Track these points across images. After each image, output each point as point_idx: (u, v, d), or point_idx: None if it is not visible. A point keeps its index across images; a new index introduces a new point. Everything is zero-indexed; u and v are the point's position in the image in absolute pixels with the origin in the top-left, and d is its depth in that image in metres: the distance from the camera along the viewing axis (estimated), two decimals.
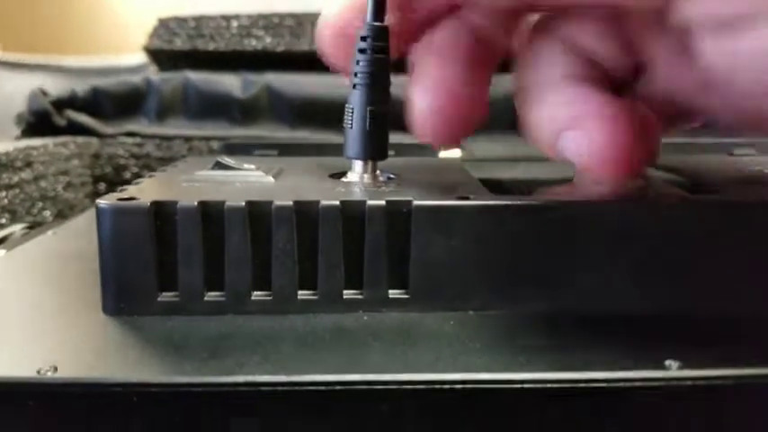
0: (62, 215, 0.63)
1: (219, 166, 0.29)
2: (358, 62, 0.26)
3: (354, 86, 0.27)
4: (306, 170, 0.31)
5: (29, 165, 0.58)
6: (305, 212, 0.24)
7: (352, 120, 0.27)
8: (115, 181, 0.69)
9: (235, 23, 0.69)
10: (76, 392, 0.19)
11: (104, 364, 0.20)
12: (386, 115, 0.27)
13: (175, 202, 0.23)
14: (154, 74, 0.72)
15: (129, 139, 0.69)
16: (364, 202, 0.24)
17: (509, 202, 0.24)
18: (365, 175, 0.28)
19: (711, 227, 0.25)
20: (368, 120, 0.27)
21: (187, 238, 0.23)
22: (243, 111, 0.69)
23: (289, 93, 0.68)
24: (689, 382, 0.20)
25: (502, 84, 0.67)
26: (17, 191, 0.56)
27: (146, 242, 0.23)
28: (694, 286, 0.25)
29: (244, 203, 0.23)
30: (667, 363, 0.21)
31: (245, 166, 0.29)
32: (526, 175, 0.36)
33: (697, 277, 0.25)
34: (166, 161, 0.68)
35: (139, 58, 0.80)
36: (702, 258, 0.25)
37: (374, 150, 0.28)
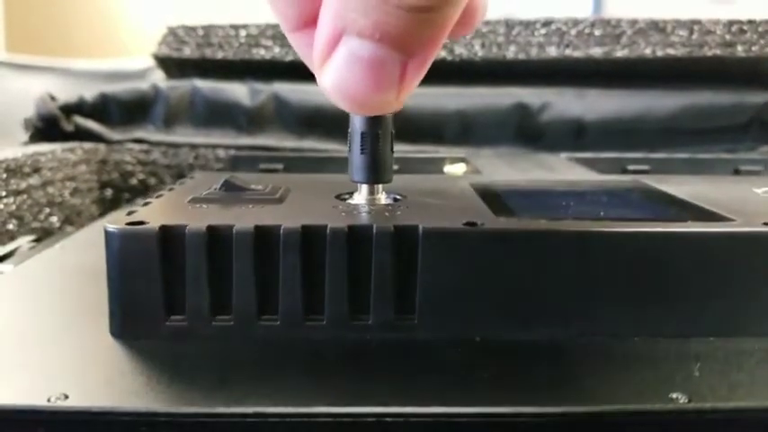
0: (69, 221, 0.63)
1: (227, 186, 0.29)
2: None
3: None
4: (312, 190, 0.31)
5: (37, 170, 0.58)
6: (313, 237, 0.24)
7: (355, 144, 0.27)
8: (122, 187, 0.69)
9: (243, 33, 0.70)
10: (86, 421, 0.19)
11: (113, 392, 0.20)
12: (389, 138, 0.27)
13: (184, 227, 0.24)
14: (161, 80, 0.72)
15: (137, 146, 0.69)
16: (372, 226, 0.24)
17: (516, 229, 0.25)
18: (371, 197, 0.28)
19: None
20: (371, 144, 0.27)
21: (195, 262, 0.24)
22: (250, 119, 0.69)
23: (295, 102, 0.68)
24: (696, 416, 0.20)
25: (505, 96, 0.68)
26: (25, 197, 0.56)
27: (154, 266, 0.23)
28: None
29: (252, 228, 0.24)
30: (674, 396, 0.21)
31: (253, 186, 0.30)
32: (530, 195, 0.36)
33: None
34: (173, 168, 0.68)
35: (146, 62, 0.81)
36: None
37: (378, 174, 0.28)
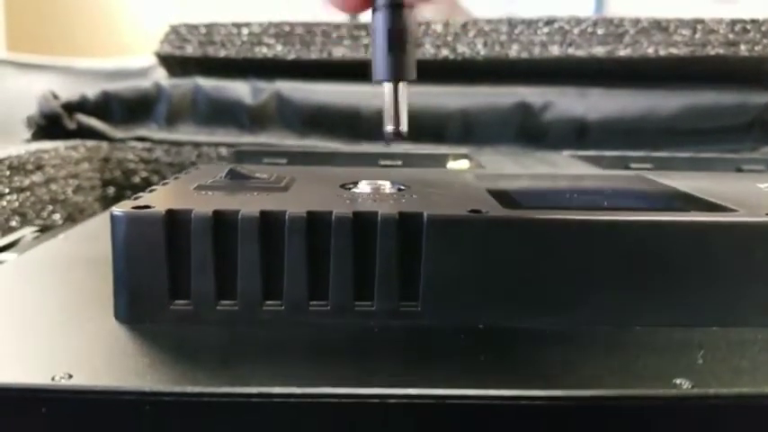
0: (71, 218, 0.63)
1: (233, 174, 0.29)
2: None
3: (375, 10, 0.26)
4: (317, 180, 0.31)
5: (40, 168, 0.58)
6: (318, 223, 0.24)
7: (377, 42, 0.26)
8: (124, 185, 0.69)
9: (245, 31, 0.70)
10: (90, 400, 0.19)
11: (117, 372, 0.20)
12: (410, 35, 0.27)
13: (190, 211, 0.24)
14: (163, 78, 0.73)
15: (139, 144, 0.69)
16: (377, 213, 0.24)
17: (520, 217, 0.25)
18: (376, 186, 0.28)
19: None
20: (393, 40, 0.26)
21: (200, 246, 0.24)
22: (252, 117, 0.69)
23: (298, 100, 0.68)
24: (699, 401, 0.20)
25: (508, 95, 0.68)
26: (28, 194, 0.56)
27: (159, 250, 0.23)
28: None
29: (258, 213, 0.24)
30: (678, 381, 0.21)
31: (258, 175, 0.30)
32: (533, 187, 0.36)
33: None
34: (175, 166, 0.68)
35: (148, 60, 0.81)
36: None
37: (401, 70, 0.27)
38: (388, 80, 0.27)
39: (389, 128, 0.28)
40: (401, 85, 0.27)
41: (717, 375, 0.21)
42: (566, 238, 0.24)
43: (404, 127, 0.28)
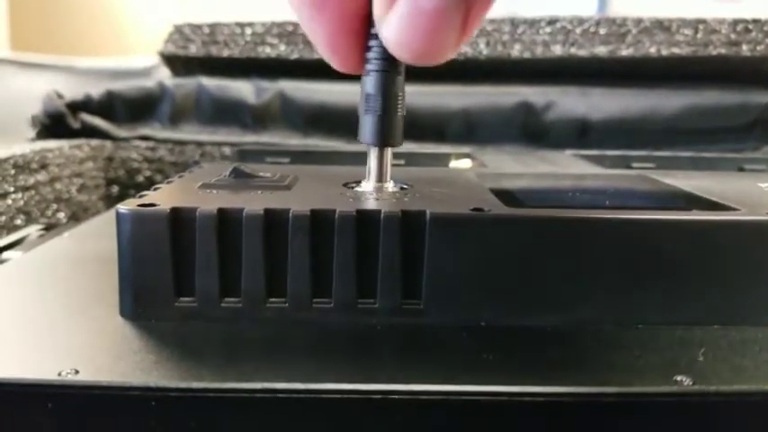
0: (75, 217, 0.63)
1: (236, 173, 0.29)
2: (370, 48, 0.26)
3: (368, 73, 0.26)
4: (320, 178, 0.31)
5: (44, 167, 0.58)
6: (321, 221, 0.24)
7: (365, 106, 0.27)
8: (128, 184, 0.70)
9: (249, 31, 0.70)
10: (96, 395, 0.20)
11: (123, 368, 0.21)
12: (400, 100, 0.27)
13: (195, 209, 0.24)
14: (167, 77, 0.73)
15: (143, 143, 0.69)
16: (380, 211, 0.24)
17: (523, 215, 0.25)
18: (378, 185, 0.28)
19: None
20: (381, 106, 0.27)
21: (205, 244, 0.24)
22: (255, 117, 0.69)
23: (301, 100, 0.68)
24: (700, 398, 0.21)
25: (510, 95, 0.68)
26: (32, 192, 0.57)
27: (164, 248, 0.24)
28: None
29: (262, 211, 0.24)
30: (679, 378, 0.21)
31: (262, 173, 0.30)
32: (535, 186, 0.36)
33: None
34: (179, 165, 0.68)
35: (150, 60, 0.81)
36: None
37: (388, 137, 0.27)
38: (375, 146, 0.28)
39: (369, 186, 0.29)
40: (387, 150, 0.28)
41: (718, 373, 0.22)
42: (567, 236, 0.25)
43: (388, 186, 0.29)
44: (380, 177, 0.28)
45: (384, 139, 0.27)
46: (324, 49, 0.25)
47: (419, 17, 0.21)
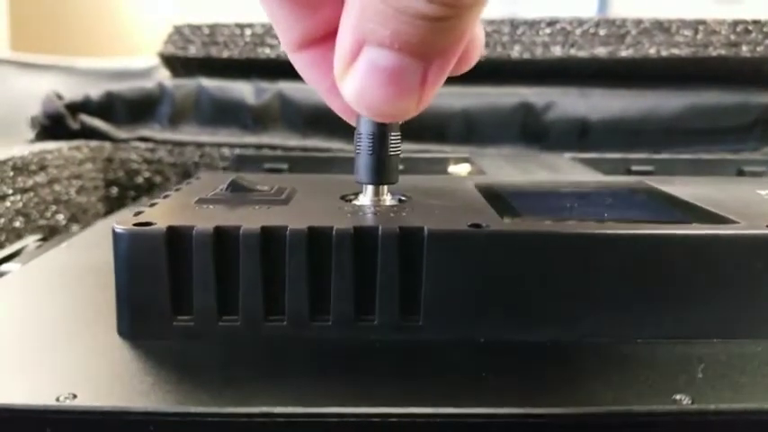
0: (75, 219, 0.63)
1: (234, 186, 0.29)
2: None
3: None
4: (318, 191, 0.31)
5: (43, 168, 0.58)
6: (319, 238, 0.24)
7: (361, 146, 0.27)
8: (127, 185, 0.70)
9: (248, 32, 0.70)
10: (95, 420, 0.20)
11: (122, 392, 0.21)
12: (395, 140, 0.27)
13: (191, 228, 0.24)
14: (166, 78, 0.73)
15: (142, 144, 0.69)
16: (377, 228, 0.24)
17: (521, 231, 0.25)
18: (376, 199, 0.28)
19: None
20: (377, 146, 0.27)
21: (202, 262, 0.24)
22: (255, 118, 0.69)
23: (300, 101, 0.68)
24: (699, 417, 0.21)
25: (510, 95, 0.68)
26: (31, 194, 0.56)
27: (161, 267, 0.24)
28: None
29: (259, 229, 0.24)
30: (678, 397, 0.21)
31: (259, 187, 0.30)
32: (534, 196, 0.36)
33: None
34: (178, 167, 0.68)
35: (150, 60, 0.81)
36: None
37: (384, 175, 0.28)
38: (371, 184, 0.28)
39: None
40: (383, 187, 0.29)
41: (717, 390, 0.22)
42: (566, 251, 0.24)
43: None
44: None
45: (380, 179, 0.28)
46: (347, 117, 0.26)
47: (376, 75, 0.21)
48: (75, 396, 0.20)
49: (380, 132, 0.27)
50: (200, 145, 0.69)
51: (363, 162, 0.27)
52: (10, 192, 0.54)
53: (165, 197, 0.29)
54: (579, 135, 0.67)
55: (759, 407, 0.21)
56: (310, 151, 0.66)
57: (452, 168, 0.49)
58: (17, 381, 0.21)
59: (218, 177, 0.33)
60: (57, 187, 0.61)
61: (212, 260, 0.24)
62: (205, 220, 0.24)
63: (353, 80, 0.21)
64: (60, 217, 0.61)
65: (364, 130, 0.27)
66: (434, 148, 0.65)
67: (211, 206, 0.27)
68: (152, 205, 0.27)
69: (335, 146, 0.68)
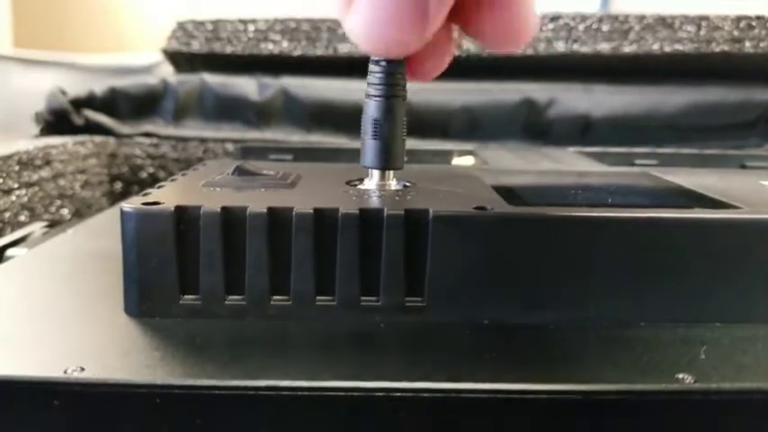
0: (79, 213, 0.63)
1: (240, 171, 0.29)
2: (372, 73, 0.27)
3: (370, 98, 0.27)
4: (323, 176, 0.31)
5: (48, 163, 0.59)
6: (324, 219, 0.24)
7: (368, 130, 0.27)
8: (131, 180, 0.70)
9: (252, 27, 0.70)
10: (102, 392, 0.20)
11: (129, 366, 0.21)
12: (402, 125, 0.27)
13: (199, 207, 0.24)
14: (170, 74, 0.73)
15: (146, 140, 0.70)
16: (383, 210, 0.24)
17: (526, 213, 0.25)
18: (382, 183, 0.28)
19: None
20: (384, 130, 0.27)
21: (209, 242, 0.24)
22: (258, 113, 0.69)
23: (304, 96, 0.69)
24: (701, 396, 0.21)
25: (513, 91, 0.68)
26: (36, 189, 0.57)
27: (169, 246, 0.24)
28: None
29: (265, 209, 0.24)
30: (681, 376, 0.21)
31: (265, 171, 0.30)
32: (538, 183, 0.36)
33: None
34: (182, 162, 0.69)
35: (154, 56, 0.81)
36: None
37: (390, 160, 0.28)
38: (377, 168, 0.28)
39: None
40: (388, 173, 0.29)
41: (719, 371, 0.22)
42: (569, 234, 0.25)
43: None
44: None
45: (386, 164, 0.28)
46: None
47: (378, 7, 0.21)
48: (82, 369, 0.20)
49: (387, 118, 0.27)
50: (203, 140, 0.69)
51: (369, 147, 0.28)
52: (15, 186, 0.54)
53: (173, 181, 0.30)
54: (582, 131, 0.67)
55: (761, 386, 0.21)
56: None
57: (456, 160, 0.49)
58: (26, 354, 0.22)
59: (225, 164, 0.33)
60: (61, 182, 0.61)
61: (219, 240, 0.24)
62: (212, 201, 0.25)
63: (355, 13, 0.21)
64: (65, 211, 0.62)
65: (369, 114, 0.27)
66: (437, 145, 0.65)
67: (218, 188, 0.27)
68: (159, 187, 0.28)
69: (338, 141, 0.68)
